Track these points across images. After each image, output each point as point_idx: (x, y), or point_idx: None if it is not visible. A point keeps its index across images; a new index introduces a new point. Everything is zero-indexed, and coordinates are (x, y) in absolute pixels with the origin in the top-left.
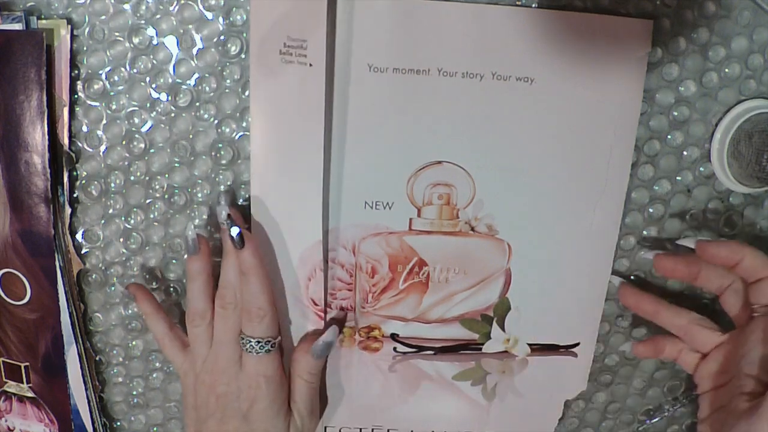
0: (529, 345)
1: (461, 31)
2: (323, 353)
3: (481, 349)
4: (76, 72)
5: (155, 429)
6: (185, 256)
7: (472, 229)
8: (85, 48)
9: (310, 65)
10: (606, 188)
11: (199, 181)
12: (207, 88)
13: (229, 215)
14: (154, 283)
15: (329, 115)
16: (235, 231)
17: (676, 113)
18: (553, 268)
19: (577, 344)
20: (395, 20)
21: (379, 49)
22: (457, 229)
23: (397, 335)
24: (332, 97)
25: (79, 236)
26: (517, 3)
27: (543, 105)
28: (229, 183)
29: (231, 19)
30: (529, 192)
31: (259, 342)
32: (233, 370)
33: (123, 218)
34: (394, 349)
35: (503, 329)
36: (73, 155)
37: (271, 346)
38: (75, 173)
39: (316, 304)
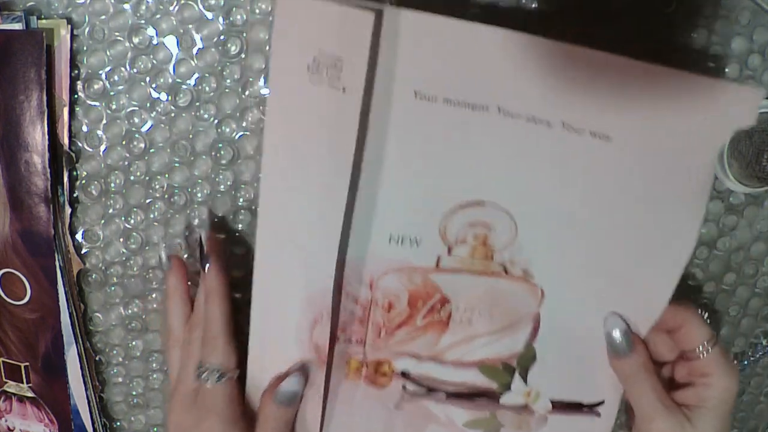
0: (552, 401)
1: (533, 69)
2: (287, 402)
3: (498, 398)
4: (76, 72)
5: (155, 429)
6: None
7: (505, 271)
8: (85, 48)
9: (344, 90)
10: (664, 253)
11: (199, 181)
12: (207, 88)
13: (200, 238)
14: (154, 283)
15: (362, 142)
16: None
17: None
18: (586, 319)
19: (602, 402)
20: (453, 45)
21: (429, 76)
22: (489, 269)
23: (409, 373)
24: (368, 123)
25: (79, 236)
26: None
27: (617, 166)
28: (229, 183)
29: (231, 19)
30: (577, 246)
31: (210, 370)
32: (189, 399)
33: (123, 218)
34: (403, 386)
35: (525, 381)
36: (73, 155)
37: (221, 376)
38: (75, 173)
39: (320, 349)
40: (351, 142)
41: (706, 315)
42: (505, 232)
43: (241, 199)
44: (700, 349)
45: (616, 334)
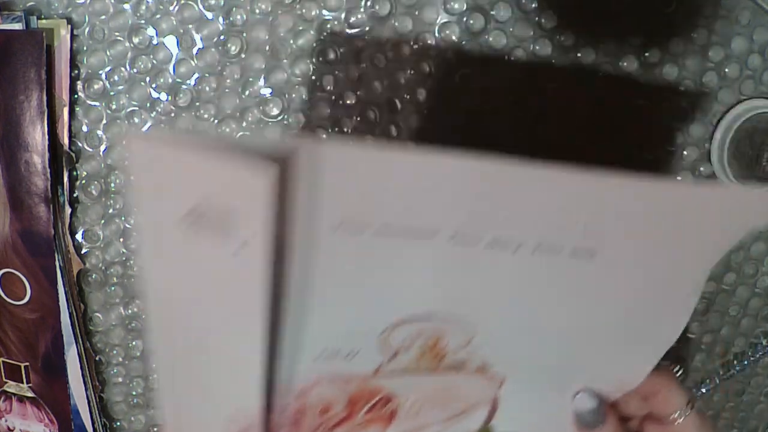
0: None
1: (493, 194)
2: None
3: None
4: (76, 72)
5: (155, 429)
6: None
7: (460, 367)
8: (85, 48)
9: (244, 244)
10: (645, 343)
11: None
12: (207, 88)
13: None
14: None
15: (279, 282)
16: None
17: None
18: (552, 395)
19: None
20: (385, 174)
21: (359, 207)
22: (440, 368)
23: None
24: (284, 264)
25: (79, 236)
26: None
27: (599, 282)
28: None
29: (231, 19)
30: (547, 342)
31: None
32: None
33: (123, 218)
34: None
35: None
36: (73, 155)
37: None
38: (75, 173)
39: None
40: (259, 295)
41: (681, 372)
42: (460, 338)
43: None
44: (677, 415)
45: (587, 411)
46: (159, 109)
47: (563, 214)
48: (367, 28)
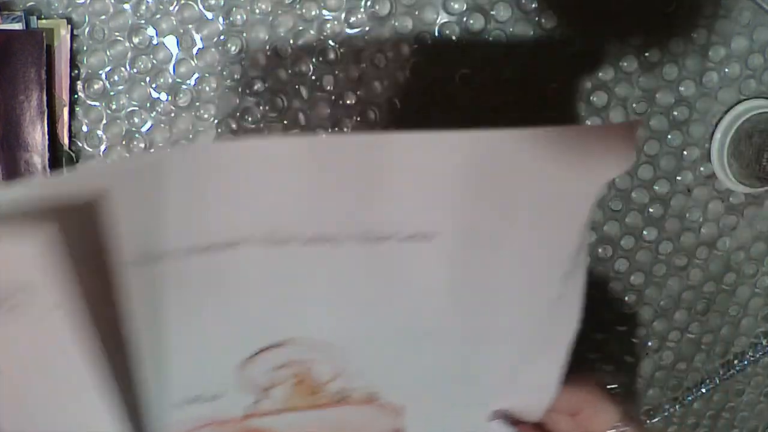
0: None
1: (280, 181)
2: None
3: None
4: (76, 72)
5: None
6: None
7: (343, 398)
8: (85, 48)
9: (54, 307)
10: (539, 338)
11: None
12: (207, 88)
13: None
14: None
15: (116, 326)
16: None
17: (676, 113)
18: (464, 426)
19: None
20: (176, 191)
21: (153, 234)
22: (320, 402)
23: None
24: (117, 306)
25: None
26: None
27: (445, 266)
28: None
29: (231, 19)
30: (433, 353)
31: None
32: None
33: None
34: None
35: None
36: (73, 155)
37: None
38: None
39: None
40: (76, 349)
41: (616, 387)
42: (328, 363)
43: None
44: None
45: None
46: (159, 109)
47: (377, 198)
48: (367, 28)
